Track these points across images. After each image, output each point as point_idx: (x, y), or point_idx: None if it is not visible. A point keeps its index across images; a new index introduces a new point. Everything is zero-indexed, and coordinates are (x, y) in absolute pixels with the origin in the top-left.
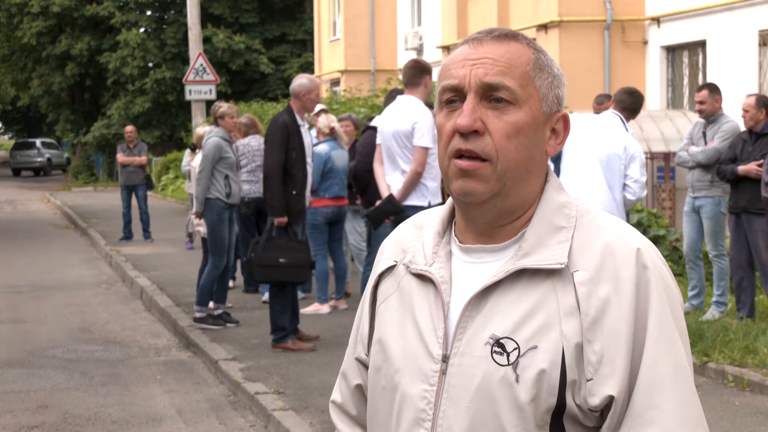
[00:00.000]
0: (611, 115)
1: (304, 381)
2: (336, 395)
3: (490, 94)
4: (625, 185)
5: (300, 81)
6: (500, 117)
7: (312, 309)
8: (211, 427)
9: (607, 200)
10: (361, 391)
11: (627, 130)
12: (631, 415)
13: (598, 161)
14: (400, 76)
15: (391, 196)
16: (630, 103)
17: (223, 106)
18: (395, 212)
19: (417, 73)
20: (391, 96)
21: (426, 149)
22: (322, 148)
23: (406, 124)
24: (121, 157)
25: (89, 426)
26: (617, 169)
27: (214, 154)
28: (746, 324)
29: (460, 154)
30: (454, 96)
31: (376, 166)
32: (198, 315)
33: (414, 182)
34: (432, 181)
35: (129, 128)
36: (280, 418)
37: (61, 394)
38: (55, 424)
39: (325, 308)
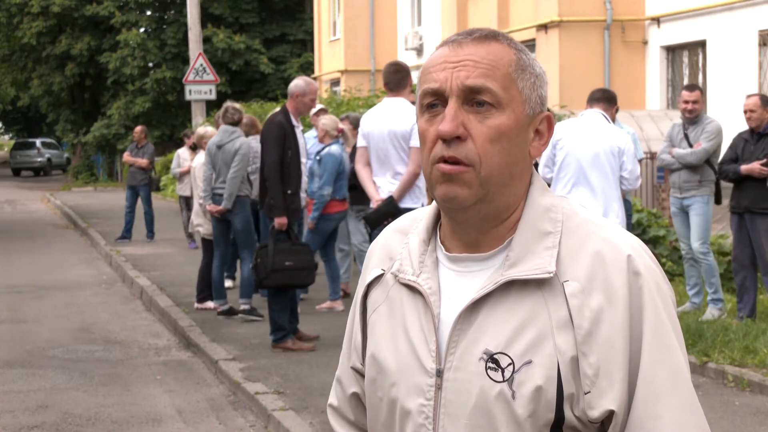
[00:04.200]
0: (594, 113)
1: (304, 381)
2: (333, 399)
3: (472, 98)
4: (620, 177)
5: (296, 82)
6: (483, 121)
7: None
8: (211, 427)
9: (607, 201)
10: (357, 398)
11: (610, 123)
12: (631, 427)
13: (591, 162)
14: None
15: (391, 197)
16: (602, 95)
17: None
18: (394, 214)
19: (405, 76)
20: None
21: None
22: (336, 149)
23: (405, 125)
24: (125, 156)
25: (89, 426)
26: (611, 165)
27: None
28: (746, 324)
29: (443, 160)
30: (435, 100)
31: (360, 169)
32: (244, 307)
33: (411, 183)
34: (424, 183)
35: (137, 129)
36: (280, 418)
37: (61, 394)
38: (55, 424)
39: (338, 305)
